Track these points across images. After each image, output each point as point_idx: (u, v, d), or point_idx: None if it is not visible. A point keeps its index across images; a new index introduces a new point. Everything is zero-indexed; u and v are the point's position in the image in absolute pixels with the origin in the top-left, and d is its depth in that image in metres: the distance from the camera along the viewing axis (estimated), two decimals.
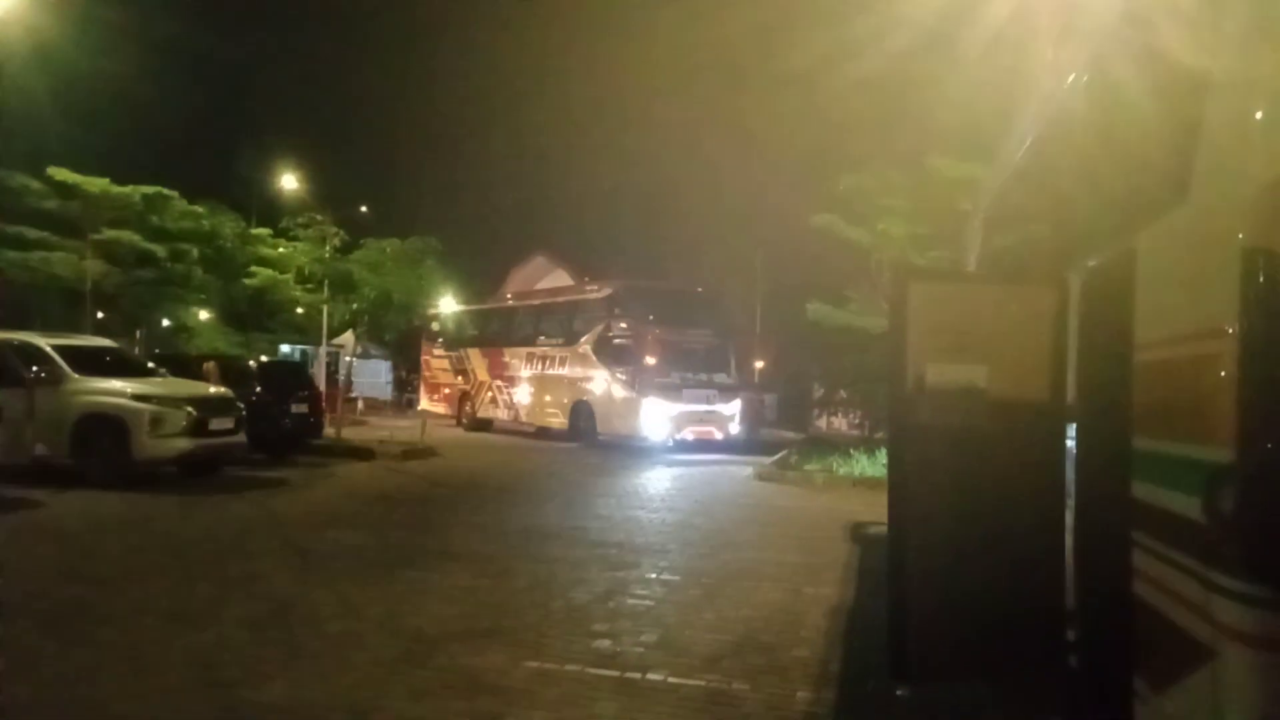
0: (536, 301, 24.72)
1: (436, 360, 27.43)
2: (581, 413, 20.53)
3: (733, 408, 20.00)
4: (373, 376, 42.15)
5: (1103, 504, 3.54)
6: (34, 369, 11.38)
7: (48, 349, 11.76)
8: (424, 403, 27.63)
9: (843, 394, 22.78)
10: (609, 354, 19.79)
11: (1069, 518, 3.94)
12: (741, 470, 15.51)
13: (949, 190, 12.47)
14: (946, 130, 12.86)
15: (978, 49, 8.18)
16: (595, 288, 21.71)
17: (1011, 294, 4.03)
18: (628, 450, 19.06)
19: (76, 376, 11.65)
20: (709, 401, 19.47)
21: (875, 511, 10.56)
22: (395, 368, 44.25)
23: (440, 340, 26.74)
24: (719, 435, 19.50)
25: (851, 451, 15.47)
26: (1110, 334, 3.46)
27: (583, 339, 20.66)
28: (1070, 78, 4.48)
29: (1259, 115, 2.54)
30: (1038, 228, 5.26)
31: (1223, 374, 2.47)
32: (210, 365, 14.73)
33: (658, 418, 18.95)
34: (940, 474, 3.78)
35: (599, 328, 20.23)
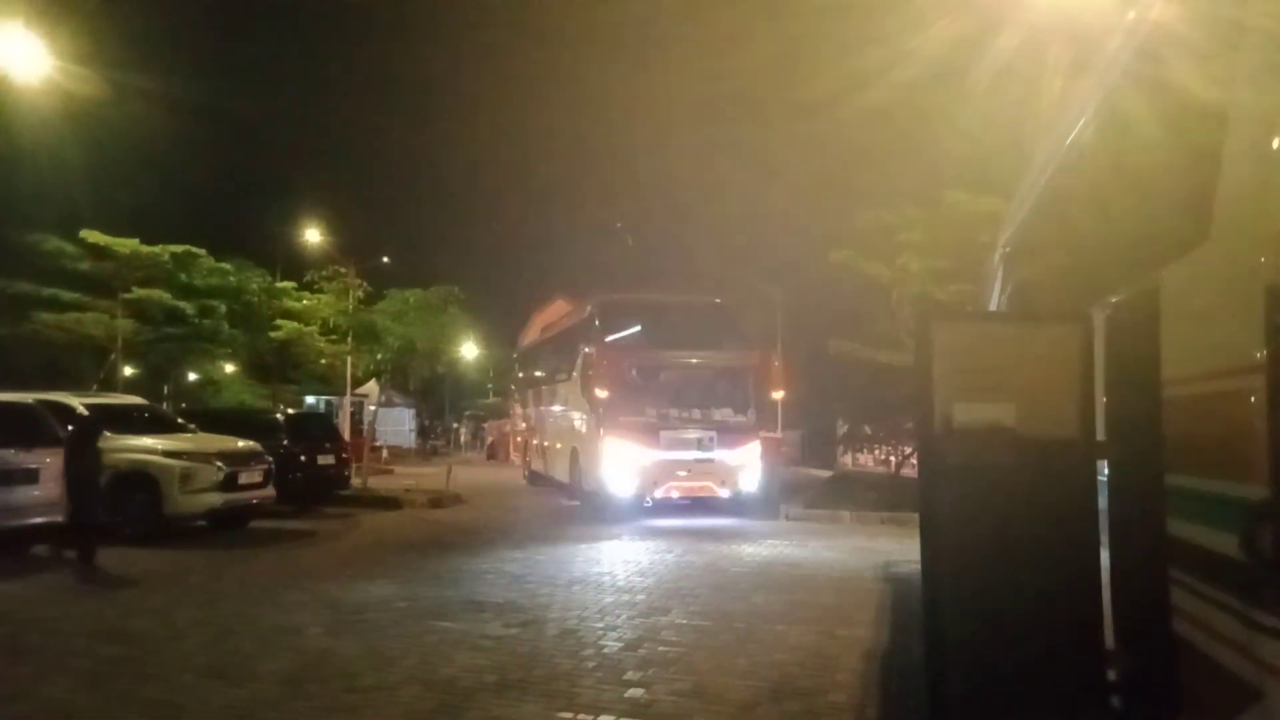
0: (549, 334, 20.52)
1: (517, 410, 24.59)
2: (575, 462, 16.21)
3: (742, 455, 14.64)
4: (396, 425, 42.48)
5: (1139, 542, 3.52)
6: (68, 428, 11.56)
7: (80, 408, 11.95)
8: (515, 458, 24.70)
9: (867, 430, 22.58)
10: (586, 387, 15.35)
11: (1105, 556, 3.91)
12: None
13: (967, 224, 12.53)
14: (958, 163, 12.96)
15: (987, 81, 8.29)
16: (578, 307, 17.52)
17: (1036, 332, 4.04)
18: (583, 514, 14.90)
19: (109, 435, 11.82)
20: (701, 446, 14.42)
21: (905, 549, 10.51)
22: (418, 415, 44.57)
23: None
24: (720, 492, 14.53)
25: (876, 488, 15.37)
26: (1137, 370, 3.46)
27: (573, 372, 16.48)
28: (1085, 113, 4.53)
29: (1277, 146, 2.57)
30: (1058, 263, 5.28)
31: (1253, 410, 2.48)
32: None
33: (621, 469, 14.27)
34: (972, 514, 3.77)
35: (581, 355, 15.93)
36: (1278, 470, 2.40)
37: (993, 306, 7.12)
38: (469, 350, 42.38)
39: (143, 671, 5.63)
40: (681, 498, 14.70)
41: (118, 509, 11.41)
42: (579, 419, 15.95)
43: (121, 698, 5.11)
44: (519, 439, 23.78)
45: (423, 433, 41.36)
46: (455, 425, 50.80)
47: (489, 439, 39.51)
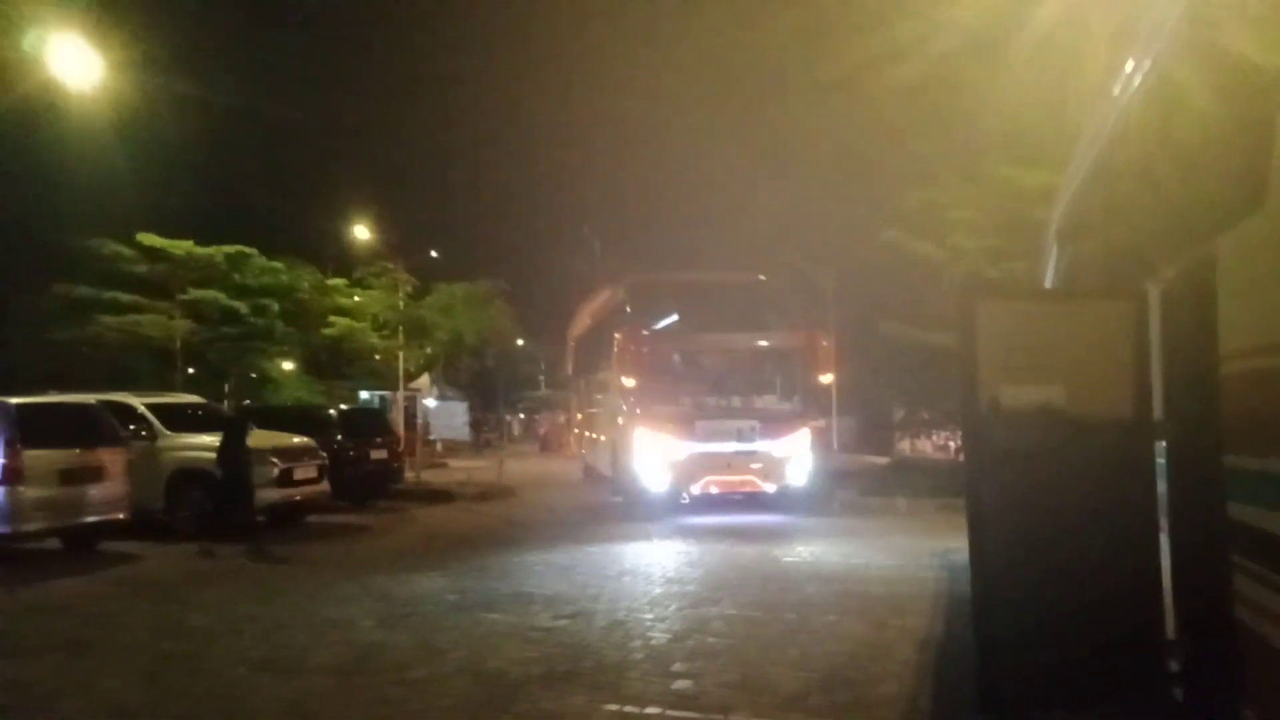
0: (591, 322, 18.97)
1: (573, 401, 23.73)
2: (615, 456, 15.27)
3: (787, 446, 13.42)
4: (449, 419, 43.00)
5: (1199, 526, 3.37)
6: (130, 427, 11.89)
7: (141, 408, 12.28)
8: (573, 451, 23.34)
9: (925, 415, 22.16)
10: (615, 376, 14.45)
11: (1164, 540, 3.76)
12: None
13: (1022, 200, 12.17)
14: (1000, 138, 12.56)
15: (1027, 52, 8.00)
16: (610, 290, 16.49)
17: (1087, 309, 3.89)
18: (622, 510, 13.99)
19: (168, 433, 12.13)
20: (742, 437, 13.24)
21: (961, 536, 10.23)
22: (472, 409, 45.04)
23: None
24: (765, 487, 13.38)
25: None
26: (1194, 347, 3.31)
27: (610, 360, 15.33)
28: (1134, 81, 4.33)
29: None
30: (1112, 238, 5.08)
31: None
32: None
33: (655, 463, 13.28)
34: (1021, 498, 3.65)
35: (614, 342, 14.72)
36: None
37: (1048, 284, 6.89)
38: (519, 342, 42.69)
39: (198, 666, 5.75)
40: (722, 493, 13.48)
41: (177, 506, 11.72)
42: (616, 410, 14.99)
43: (175, 692, 5.22)
44: (576, 431, 23.43)
45: (475, 426, 41.69)
46: (508, 418, 51.22)
47: (542, 431, 39.80)
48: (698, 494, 13.25)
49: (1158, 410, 3.80)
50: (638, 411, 13.56)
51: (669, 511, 13.12)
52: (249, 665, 5.75)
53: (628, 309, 14.37)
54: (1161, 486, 3.77)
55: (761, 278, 15.12)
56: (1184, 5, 3.58)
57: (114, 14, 13.61)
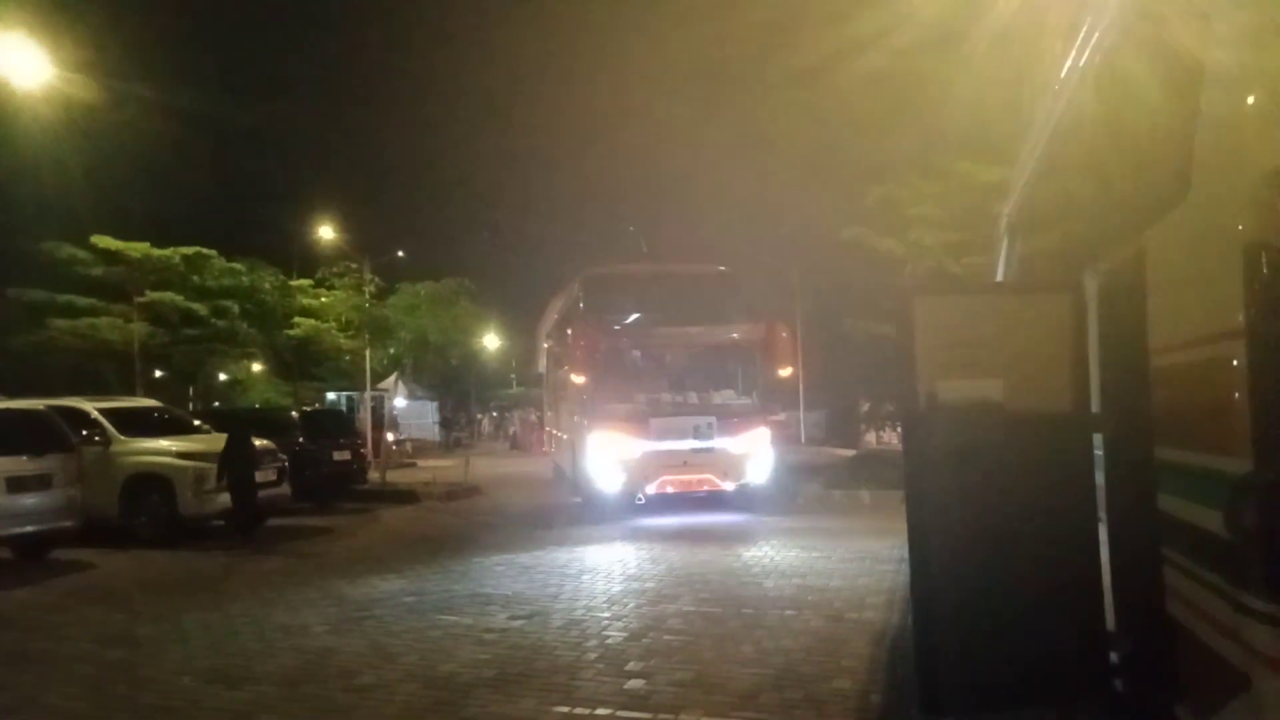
0: (553, 319, 18.15)
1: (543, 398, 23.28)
2: (574, 456, 14.66)
3: (746, 443, 12.95)
4: (420, 418, 42.71)
5: (1133, 519, 3.38)
6: (82, 433, 11.65)
7: (94, 413, 12.05)
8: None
9: (890, 407, 22.34)
10: (570, 372, 13.90)
11: (1104, 533, 3.77)
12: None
13: (979, 195, 12.26)
14: (961, 131, 12.64)
15: (986, 45, 8.05)
16: (568, 285, 15.89)
17: (1024, 303, 3.88)
18: (577, 512, 13.52)
19: (123, 438, 11.91)
20: (698, 434, 12.79)
21: None
22: (441, 408, 44.77)
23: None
24: (724, 485, 12.97)
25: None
26: (1126, 340, 3.32)
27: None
28: (1077, 73, 4.35)
29: (1251, 101, 2.42)
30: (1057, 231, 5.10)
31: (1234, 378, 2.33)
32: None
33: (608, 462, 12.81)
34: (960, 494, 3.63)
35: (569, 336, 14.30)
36: (1260, 442, 2.26)
37: (999, 278, 6.93)
38: (489, 341, 42.50)
39: (143, 676, 5.63)
40: (678, 492, 12.98)
41: (134, 511, 11.52)
42: (573, 408, 14.60)
43: (118, 704, 5.11)
44: (546, 429, 23.02)
45: (445, 425, 41.47)
46: (479, 417, 50.99)
47: (513, 429, 39.62)
48: (653, 494, 12.84)
49: (1096, 404, 3.81)
50: (590, 409, 13.18)
51: (624, 512, 12.71)
52: (196, 675, 5.63)
53: (581, 303, 13.94)
54: (1101, 479, 3.78)
55: (721, 269, 14.61)
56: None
57: (66, 14, 13.33)
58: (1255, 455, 2.25)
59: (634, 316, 13.91)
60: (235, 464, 11.41)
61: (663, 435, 12.75)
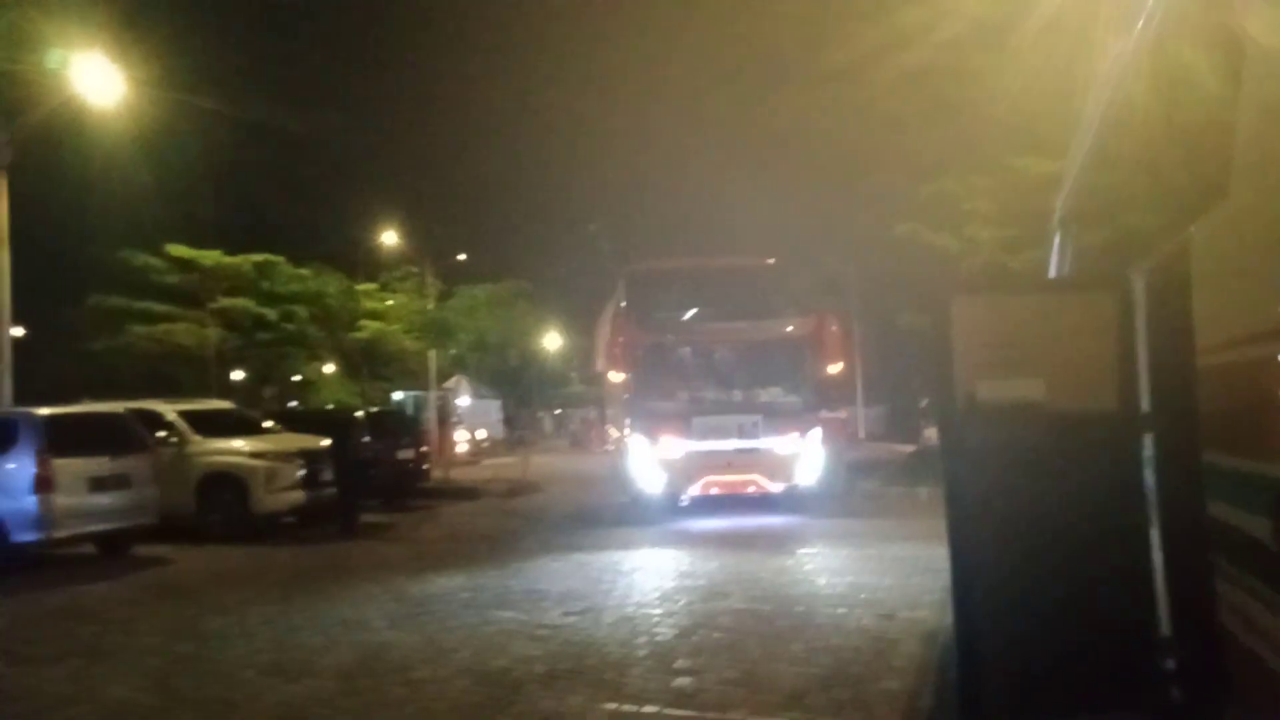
0: (609, 317, 17.08)
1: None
2: (620, 457, 14.24)
3: (795, 442, 12.35)
4: (484, 416, 43.41)
5: (1183, 524, 3.28)
6: (159, 434, 12.14)
7: (170, 415, 12.54)
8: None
9: None
10: (614, 369, 13.51)
11: (1156, 536, 3.67)
12: None
13: (1035, 190, 11.95)
14: (1008, 126, 12.32)
15: (1033, 39, 7.85)
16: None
17: (1068, 301, 3.80)
18: (622, 512, 13.14)
19: (198, 438, 12.37)
20: (743, 434, 12.32)
21: None
22: (505, 407, 45.42)
23: None
24: (770, 487, 12.37)
25: None
26: (1173, 338, 3.23)
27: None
28: (1126, 62, 4.24)
29: None
30: (1108, 226, 4.97)
31: (1274, 379, 2.26)
32: None
33: (650, 463, 12.43)
34: (1001, 496, 3.58)
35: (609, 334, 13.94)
36: None
37: (1052, 274, 6.77)
38: (550, 340, 42.89)
39: (207, 669, 5.86)
40: (723, 494, 12.41)
41: (208, 509, 11.96)
42: (615, 406, 14.22)
43: (181, 697, 5.32)
44: (607, 427, 23.22)
45: (508, 423, 42.02)
46: (540, 414, 51.54)
47: (573, 427, 39.97)
48: (697, 495, 12.36)
49: (1146, 403, 3.71)
50: (630, 407, 12.91)
51: (668, 514, 12.30)
52: (258, 669, 5.84)
53: (624, 300, 13.51)
54: (1151, 479, 3.68)
55: (769, 261, 13.98)
56: None
57: (135, 32, 13.85)
58: None
59: (677, 312, 13.47)
60: (344, 458, 12.59)
61: (705, 435, 12.31)
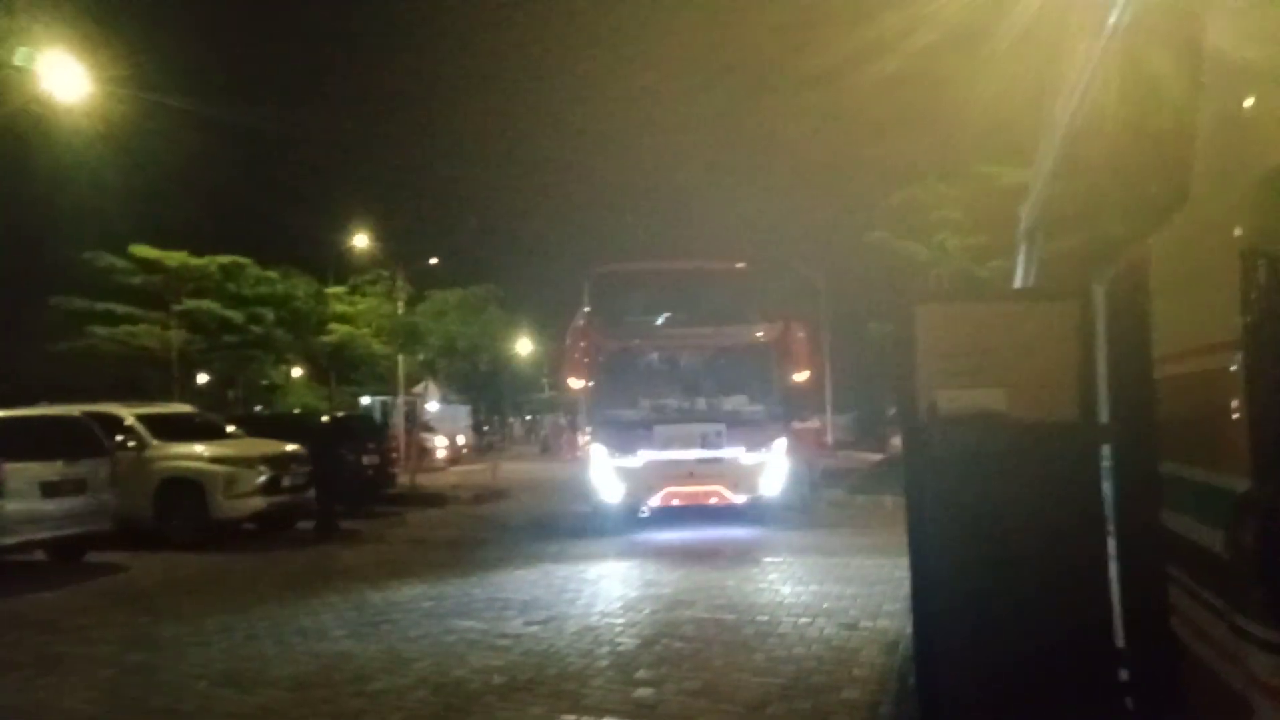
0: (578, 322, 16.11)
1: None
2: (583, 465, 13.57)
3: (759, 452, 12.01)
4: (453, 422, 43.08)
5: (1140, 534, 3.29)
6: (118, 438, 11.89)
7: (129, 419, 12.28)
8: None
9: None
10: (573, 376, 13.04)
11: (1113, 546, 3.67)
12: None
13: (1004, 198, 12.07)
14: (981, 133, 12.45)
15: (1007, 46, 7.93)
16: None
17: (1029, 310, 3.80)
18: (578, 520, 12.92)
19: (157, 443, 12.13)
20: (706, 443, 11.91)
21: None
22: (474, 412, 45.12)
23: None
24: (734, 498, 11.97)
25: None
26: (1131, 348, 3.24)
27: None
28: (1092, 71, 4.27)
29: (1248, 104, 2.34)
30: (1071, 235, 5.00)
31: (1230, 390, 2.25)
32: None
33: (609, 471, 12.00)
34: (961, 505, 3.56)
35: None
36: (1261, 457, 2.18)
37: (1018, 283, 6.82)
38: (521, 346, 42.73)
39: (159, 679, 5.72)
40: (684, 505, 12.03)
41: (166, 514, 11.72)
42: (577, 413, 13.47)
43: (130, 707, 5.19)
44: (576, 433, 23.28)
45: (477, 429, 41.77)
46: (510, 421, 51.32)
47: (543, 433, 39.80)
48: (657, 506, 11.95)
49: (1104, 414, 3.72)
50: (588, 416, 12.45)
51: (628, 525, 11.92)
52: (211, 679, 5.70)
53: (588, 303, 12.94)
54: (1109, 490, 3.69)
55: (738, 265, 13.51)
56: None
57: (104, 29, 13.65)
58: (1256, 474, 2.16)
59: (644, 316, 13.04)
60: (321, 464, 12.82)
61: (666, 444, 11.89)
